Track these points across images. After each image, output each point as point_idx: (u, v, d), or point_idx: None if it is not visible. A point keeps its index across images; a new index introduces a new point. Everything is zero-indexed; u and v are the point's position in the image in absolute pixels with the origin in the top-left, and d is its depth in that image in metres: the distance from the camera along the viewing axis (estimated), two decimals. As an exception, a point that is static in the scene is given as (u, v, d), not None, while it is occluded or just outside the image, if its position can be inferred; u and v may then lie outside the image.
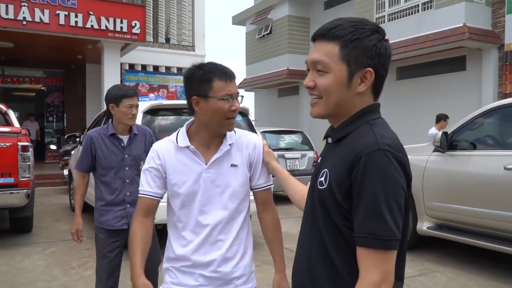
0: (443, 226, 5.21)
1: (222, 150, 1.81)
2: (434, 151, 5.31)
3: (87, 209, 7.11)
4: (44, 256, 5.38)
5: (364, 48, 1.21)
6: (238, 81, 23.02)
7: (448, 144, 5.16)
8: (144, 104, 5.32)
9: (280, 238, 1.95)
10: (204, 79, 1.74)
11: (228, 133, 1.84)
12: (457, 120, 5.42)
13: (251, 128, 5.91)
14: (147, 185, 1.84)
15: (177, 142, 1.82)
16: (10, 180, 5.53)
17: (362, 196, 1.12)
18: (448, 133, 5.21)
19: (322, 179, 1.24)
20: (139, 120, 5.21)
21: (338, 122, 1.29)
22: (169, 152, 1.82)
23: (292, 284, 1.38)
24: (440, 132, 5.20)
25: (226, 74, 1.76)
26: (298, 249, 1.37)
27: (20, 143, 5.57)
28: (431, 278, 4.68)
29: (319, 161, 1.35)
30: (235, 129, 1.88)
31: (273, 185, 1.98)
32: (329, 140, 1.34)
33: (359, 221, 1.12)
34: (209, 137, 1.82)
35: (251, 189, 1.92)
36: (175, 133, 1.87)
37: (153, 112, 5.47)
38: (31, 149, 5.73)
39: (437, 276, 4.76)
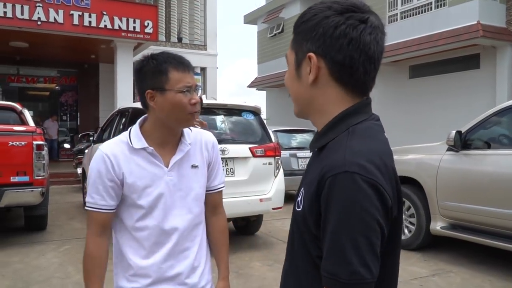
0: (457, 226, 5.16)
1: (183, 150, 1.65)
2: (447, 150, 5.27)
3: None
4: (58, 254, 5.44)
5: (307, 29, 1.01)
6: (249, 80, 23.07)
7: (462, 143, 5.11)
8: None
9: (227, 244, 1.85)
10: (159, 70, 1.55)
11: (185, 131, 1.69)
12: (471, 119, 5.37)
13: (264, 128, 5.91)
14: (99, 197, 1.57)
15: (131, 143, 1.60)
16: (25, 178, 5.60)
17: (326, 229, 0.92)
18: (462, 132, 5.17)
19: (299, 199, 1.03)
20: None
21: (316, 124, 1.09)
22: (123, 155, 1.59)
23: None
24: (454, 131, 5.16)
25: (183, 64, 1.58)
26: (282, 271, 1.18)
27: (35, 142, 5.63)
28: (444, 279, 4.65)
29: (304, 173, 1.14)
30: (190, 127, 1.74)
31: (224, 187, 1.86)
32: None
33: (324, 257, 0.92)
34: (166, 136, 1.63)
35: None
36: (125, 133, 1.65)
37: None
38: (45, 148, 5.79)
39: (451, 276, 4.72)
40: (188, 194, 1.66)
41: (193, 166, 1.68)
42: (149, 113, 1.64)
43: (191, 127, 1.73)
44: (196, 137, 1.73)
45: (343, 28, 0.97)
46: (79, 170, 9.85)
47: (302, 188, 1.04)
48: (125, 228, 1.64)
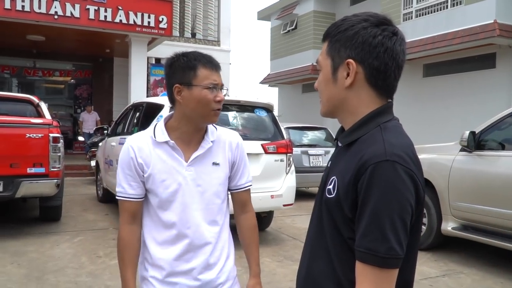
0: (468, 227, 5.15)
1: (204, 147, 1.69)
2: (461, 150, 5.25)
3: (115, 200, 7.28)
4: (72, 245, 5.54)
5: (345, 38, 1.15)
6: (262, 76, 23.04)
7: (475, 143, 5.09)
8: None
9: (257, 242, 1.87)
10: (188, 66, 1.63)
11: (209, 129, 1.74)
12: (485, 119, 5.34)
13: (276, 125, 5.94)
14: (128, 186, 1.67)
15: (155, 137, 1.67)
16: (41, 170, 5.70)
17: (365, 209, 1.04)
18: (476, 132, 5.14)
19: (331, 187, 1.16)
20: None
21: (345, 122, 1.23)
22: (147, 148, 1.66)
23: None
24: (468, 132, 5.14)
25: (211, 62, 1.66)
26: (303, 256, 1.31)
27: (51, 135, 5.73)
28: (455, 279, 4.65)
29: (328, 165, 1.28)
30: (217, 126, 1.79)
31: (252, 186, 1.89)
32: (339, 143, 1.27)
33: (360, 234, 1.05)
34: (190, 132, 1.69)
35: (230, 190, 1.83)
36: (151, 127, 1.72)
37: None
38: (61, 140, 5.89)
39: (461, 277, 4.72)
40: (207, 190, 1.69)
41: (214, 164, 1.72)
42: (175, 109, 1.70)
43: (216, 126, 1.78)
44: (221, 136, 1.77)
45: (380, 38, 1.12)
46: (93, 163, 9.98)
47: (334, 177, 1.16)
48: (146, 218, 1.71)
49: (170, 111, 5.83)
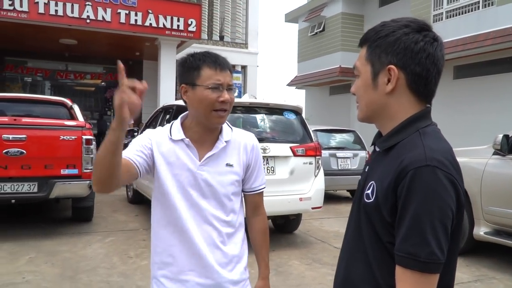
0: (501, 232, 5.04)
1: (218, 147, 1.69)
2: (493, 154, 5.15)
3: (145, 201, 7.40)
4: (104, 245, 5.65)
5: (386, 44, 1.15)
6: (289, 78, 23.08)
7: (509, 147, 4.99)
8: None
9: (267, 244, 1.87)
10: (193, 66, 1.63)
11: (224, 129, 1.73)
12: (519, 123, 5.22)
13: (305, 127, 5.93)
14: (128, 150, 1.62)
15: (171, 135, 1.69)
16: (75, 171, 5.84)
17: (405, 214, 1.04)
18: (510, 136, 5.04)
19: (369, 192, 1.17)
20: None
21: (383, 127, 1.23)
22: (163, 142, 1.68)
23: None
24: (501, 135, 5.04)
25: (216, 62, 1.63)
26: (340, 261, 1.32)
27: (84, 137, 5.87)
28: (487, 285, 4.56)
29: (366, 170, 1.29)
30: (232, 127, 1.78)
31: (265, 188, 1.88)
32: (377, 148, 1.27)
33: (401, 239, 1.05)
34: (202, 132, 1.69)
35: (243, 192, 1.82)
36: (168, 125, 1.73)
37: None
38: (94, 142, 6.03)
39: (494, 283, 4.62)
40: (218, 190, 1.69)
41: (228, 165, 1.71)
42: (188, 108, 1.72)
43: (232, 127, 1.78)
44: (236, 137, 1.76)
45: (422, 44, 1.13)
46: (122, 165, 10.15)
47: (372, 182, 1.17)
48: (157, 216, 1.72)
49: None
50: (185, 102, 1.69)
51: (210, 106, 1.61)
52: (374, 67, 1.18)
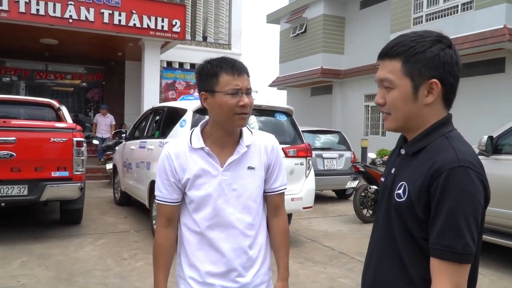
0: (486, 229, 5.22)
1: (239, 151, 1.71)
2: (478, 154, 5.32)
3: (133, 203, 7.37)
4: (96, 247, 5.63)
5: (425, 60, 1.24)
6: (271, 79, 23.19)
7: (492, 148, 5.18)
8: (195, 103, 5.46)
9: (287, 246, 1.87)
10: (211, 73, 1.65)
11: (244, 133, 1.75)
12: (494, 124, 5.42)
13: (296, 129, 6.03)
14: (165, 191, 1.73)
15: (191, 143, 1.71)
16: (65, 173, 5.80)
17: (441, 210, 1.15)
18: (494, 137, 5.23)
19: (400, 191, 1.26)
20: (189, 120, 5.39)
21: (411, 133, 1.32)
22: (183, 154, 1.71)
23: None
24: (486, 136, 5.22)
25: (233, 68, 1.65)
26: (368, 259, 1.41)
27: (75, 139, 5.83)
28: (474, 281, 4.71)
29: (392, 172, 1.36)
30: (252, 130, 1.80)
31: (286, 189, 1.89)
32: (402, 151, 1.36)
33: (436, 233, 1.16)
34: (223, 137, 1.72)
35: (264, 192, 1.82)
36: (189, 133, 1.76)
37: (202, 111, 5.58)
38: (84, 145, 5.99)
39: (479, 278, 4.74)
40: (242, 194, 1.71)
41: (250, 168, 1.73)
42: (208, 115, 1.74)
43: (252, 130, 1.80)
44: (256, 140, 1.78)
45: (455, 58, 1.27)
46: (109, 166, 10.10)
47: (403, 183, 1.27)
48: (184, 221, 1.77)
49: (193, 116, 5.82)
50: (205, 109, 1.72)
51: (231, 111, 1.63)
52: (415, 81, 1.26)
